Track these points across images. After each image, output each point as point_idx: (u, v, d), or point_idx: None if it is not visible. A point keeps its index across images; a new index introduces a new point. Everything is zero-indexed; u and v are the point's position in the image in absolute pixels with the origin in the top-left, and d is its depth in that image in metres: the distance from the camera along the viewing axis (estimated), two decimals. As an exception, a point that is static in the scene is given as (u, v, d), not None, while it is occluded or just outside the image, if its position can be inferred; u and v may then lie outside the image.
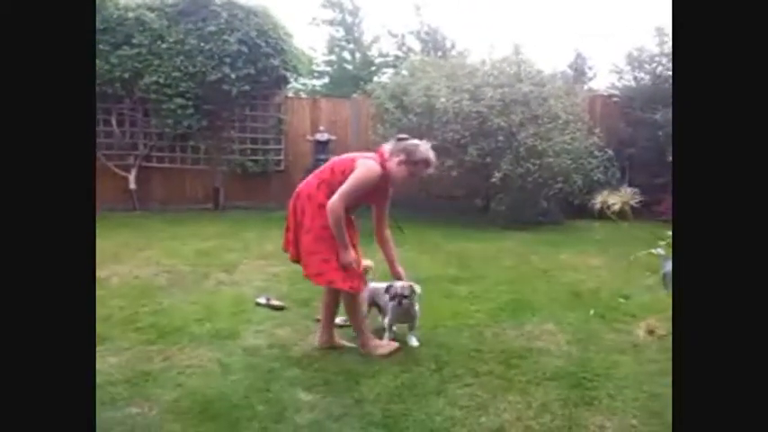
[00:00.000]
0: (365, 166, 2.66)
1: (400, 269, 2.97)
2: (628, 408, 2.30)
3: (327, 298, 2.93)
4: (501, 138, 6.81)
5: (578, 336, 3.13)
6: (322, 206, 2.66)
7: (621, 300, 3.86)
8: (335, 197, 2.61)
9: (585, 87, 10.02)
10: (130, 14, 7.74)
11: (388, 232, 2.96)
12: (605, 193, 1.92)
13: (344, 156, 2.86)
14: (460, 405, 2.31)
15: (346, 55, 14.71)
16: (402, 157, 2.71)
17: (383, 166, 2.70)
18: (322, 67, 14.42)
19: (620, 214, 1.80)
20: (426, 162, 2.74)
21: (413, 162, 2.71)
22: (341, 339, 2.98)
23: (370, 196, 2.79)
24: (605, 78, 11.43)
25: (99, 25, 7.60)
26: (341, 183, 2.65)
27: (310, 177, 2.84)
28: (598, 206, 1.89)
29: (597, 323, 3.36)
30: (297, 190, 2.84)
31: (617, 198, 1.83)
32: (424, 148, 2.75)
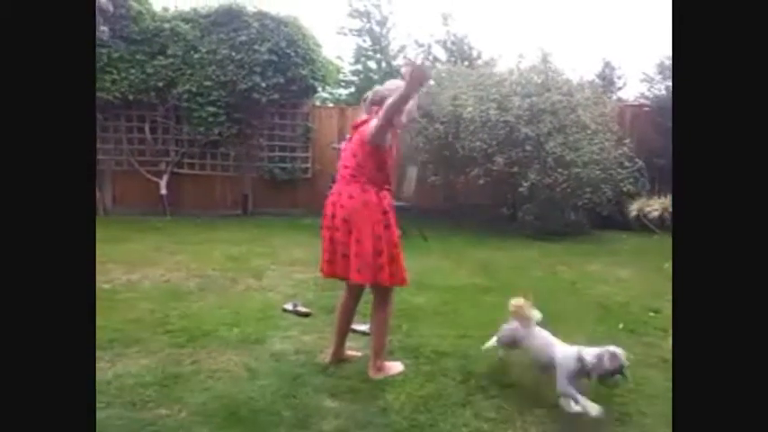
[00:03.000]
0: None
1: None
2: (659, 424, 2.25)
3: (351, 304, 2.86)
4: (529, 147, 6.75)
5: (607, 350, 3.07)
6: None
7: (651, 314, 3.77)
8: None
9: (614, 97, 9.87)
10: (166, 26, 7.97)
11: None
12: (642, 200, 1.88)
13: None
14: (487, 417, 2.29)
15: (372, 65, 14.81)
16: None
17: None
18: (349, 77, 14.55)
19: (658, 223, 1.76)
20: None
21: None
22: (349, 350, 2.91)
23: None
24: (635, 87, 11.26)
25: (136, 36, 7.88)
26: None
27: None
28: (634, 213, 1.85)
29: (626, 337, 3.30)
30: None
31: (657, 204, 1.79)
32: None
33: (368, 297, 2.84)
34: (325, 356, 2.86)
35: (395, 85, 2.55)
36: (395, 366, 2.75)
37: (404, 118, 2.62)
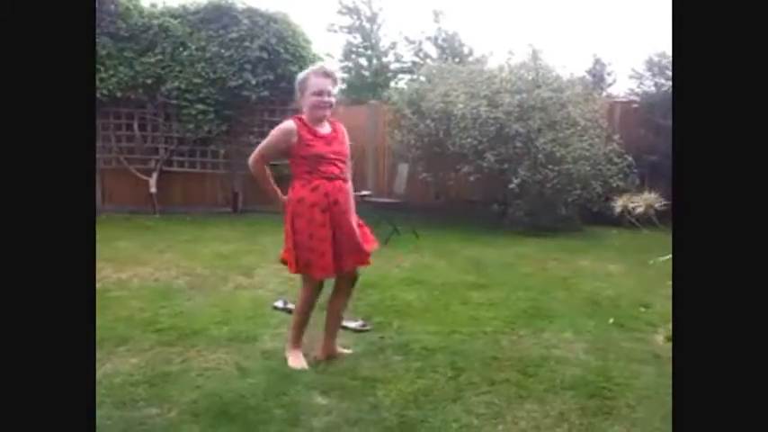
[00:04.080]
0: None
1: None
2: (648, 418, 2.27)
3: (339, 299, 2.90)
4: (519, 144, 6.78)
5: (597, 345, 3.09)
6: None
7: (641, 309, 3.81)
8: None
9: (604, 93, 9.91)
10: (155, 22, 7.90)
11: None
12: (626, 196, 1.86)
13: None
14: (477, 413, 2.30)
15: (363, 61, 14.77)
16: None
17: None
18: (339, 74, 14.52)
19: (644, 219, 1.74)
20: None
21: None
22: (339, 348, 2.91)
23: None
24: (625, 84, 11.33)
25: (124, 33, 7.80)
26: None
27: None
28: (618, 209, 1.84)
29: (616, 332, 3.32)
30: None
31: (641, 201, 1.77)
32: None
33: (360, 294, 2.84)
34: (316, 353, 2.86)
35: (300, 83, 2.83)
36: (296, 359, 2.75)
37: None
